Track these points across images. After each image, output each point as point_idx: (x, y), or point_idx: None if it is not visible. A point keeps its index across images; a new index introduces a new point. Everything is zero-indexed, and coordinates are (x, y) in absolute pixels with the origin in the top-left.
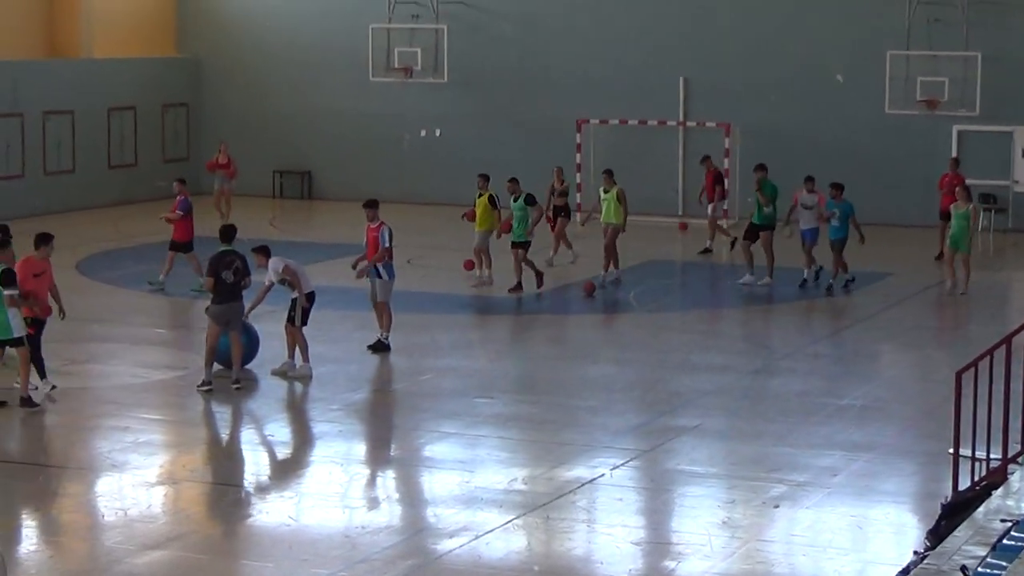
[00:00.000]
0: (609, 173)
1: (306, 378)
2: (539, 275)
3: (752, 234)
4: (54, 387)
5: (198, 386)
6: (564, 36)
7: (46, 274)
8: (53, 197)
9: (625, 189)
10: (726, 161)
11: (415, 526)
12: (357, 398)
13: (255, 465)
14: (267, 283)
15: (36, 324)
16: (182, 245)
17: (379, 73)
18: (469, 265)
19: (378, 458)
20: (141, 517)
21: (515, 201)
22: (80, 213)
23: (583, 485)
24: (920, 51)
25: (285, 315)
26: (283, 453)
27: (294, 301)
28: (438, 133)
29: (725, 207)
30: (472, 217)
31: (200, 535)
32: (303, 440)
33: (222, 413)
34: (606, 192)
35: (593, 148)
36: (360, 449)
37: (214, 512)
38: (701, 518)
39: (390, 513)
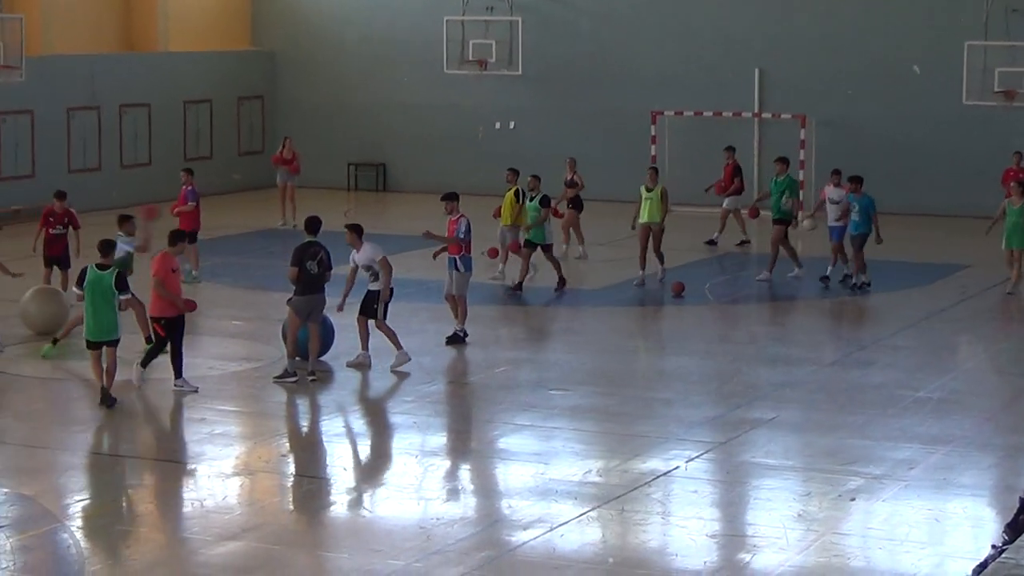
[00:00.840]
0: (655, 171)
1: (405, 363)
2: (562, 280)
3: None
4: (196, 389)
5: (277, 377)
6: (639, 28)
7: (179, 271)
8: (129, 190)
9: (694, 182)
10: (801, 153)
11: (490, 518)
12: (432, 390)
13: (330, 456)
14: (352, 266)
15: (171, 323)
16: (188, 235)
17: (453, 65)
18: (493, 253)
19: (453, 450)
20: (217, 508)
21: (531, 201)
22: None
23: (658, 477)
24: (998, 41)
25: (357, 307)
26: (358, 445)
27: (373, 293)
28: (512, 126)
29: (746, 202)
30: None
31: (275, 526)
32: (378, 432)
33: (298, 405)
34: (649, 191)
35: (668, 140)
36: (435, 441)
37: (290, 503)
38: (776, 511)
39: (465, 505)
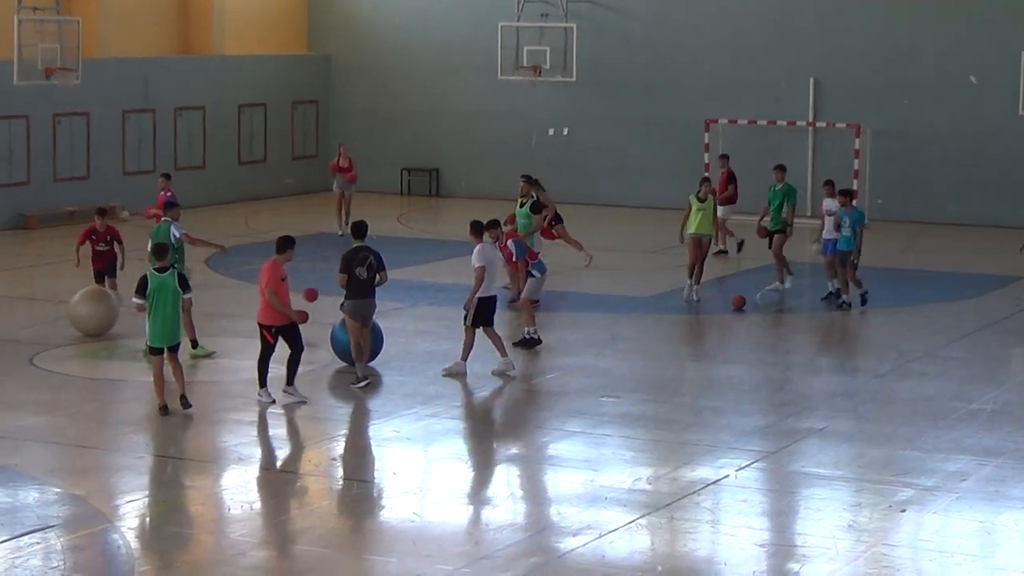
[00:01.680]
0: (708, 181)
1: (510, 368)
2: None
3: (769, 238)
4: (304, 400)
5: (352, 383)
6: (693, 35)
7: (287, 279)
8: (183, 192)
9: (747, 190)
10: (856, 162)
11: (538, 524)
12: (482, 395)
13: (380, 460)
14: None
15: (282, 331)
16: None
17: (507, 72)
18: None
19: (502, 455)
20: (266, 511)
21: (521, 207)
22: (210, 208)
23: (708, 486)
24: None
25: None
26: (408, 449)
27: (483, 300)
28: (566, 132)
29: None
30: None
31: (324, 529)
32: (428, 436)
33: (347, 408)
34: (702, 201)
35: (721, 148)
36: (484, 446)
37: (338, 507)
38: (826, 521)
39: (513, 510)
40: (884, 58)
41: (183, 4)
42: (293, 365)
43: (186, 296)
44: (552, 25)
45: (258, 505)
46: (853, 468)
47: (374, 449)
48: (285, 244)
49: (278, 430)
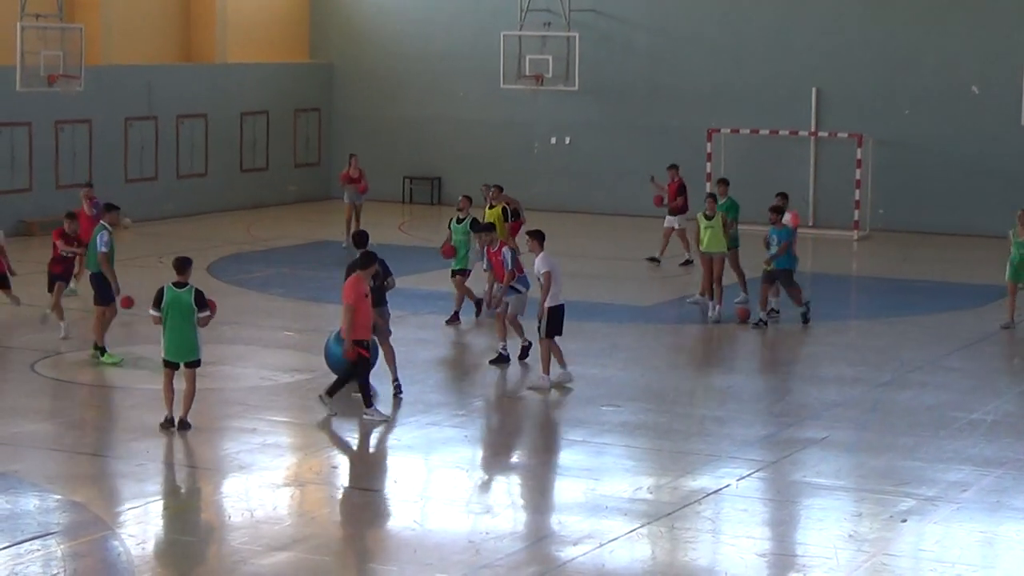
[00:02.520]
0: (714, 197)
1: (568, 381)
2: (477, 304)
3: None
4: (384, 419)
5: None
6: (695, 45)
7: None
8: (185, 200)
9: (749, 200)
10: (857, 172)
11: (539, 533)
12: (484, 404)
13: (380, 469)
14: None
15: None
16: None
17: (510, 80)
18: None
19: (503, 464)
20: (267, 518)
21: (459, 223)
22: (211, 216)
23: (708, 495)
24: None
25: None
26: (409, 457)
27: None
28: (567, 141)
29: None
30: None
31: (325, 538)
32: (429, 445)
33: (348, 417)
34: (709, 219)
35: (723, 158)
36: (485, 454)
37: (339, 515)
38: (827, 531)
39: (514, 519)
40: (886, 68)
41: (186, 12)
42: (367, 388)
43: (201, 314)
44: (554, 34)
45: (259, 513)
46: (854, 478)
47: (375, 457)
48: (369, 260)
49: (279, 438)
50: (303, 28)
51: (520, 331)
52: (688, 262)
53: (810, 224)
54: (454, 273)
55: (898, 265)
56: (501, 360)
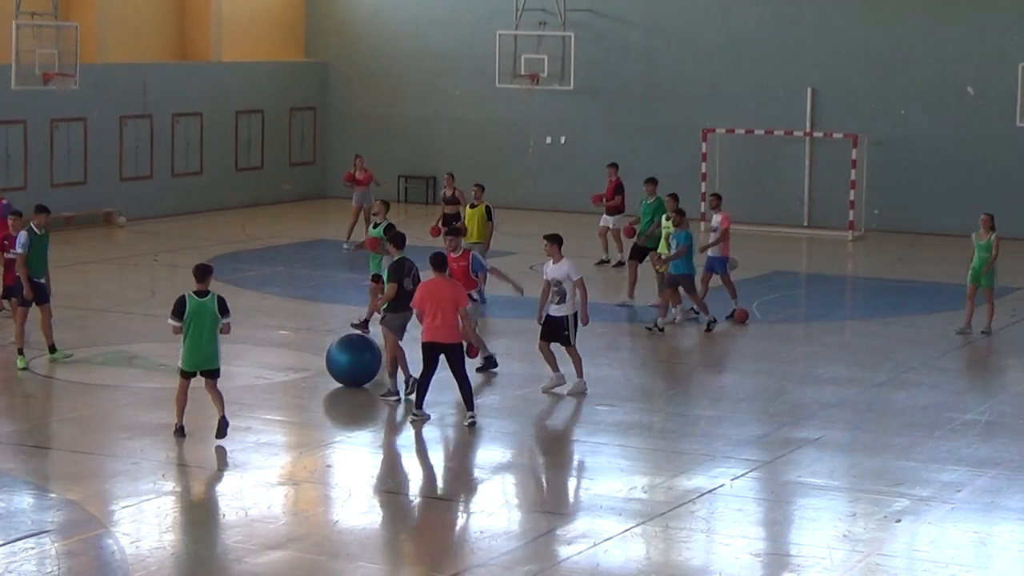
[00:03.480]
0: (675, 197)
1: (582, 394)
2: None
3: (640, 254)
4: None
5: (382, 395)
6: (691, 45)
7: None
8: (180, 198)
9: (744, 200)
10: (853, 172)
11: (534, 532)
12: (477, 404)
13: (376, 468)
14: (546, 280)
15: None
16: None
17: (505, 80)
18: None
19: (498, 463)
20: (261, 517)
21: (375, 228)
22: (206, 215)
23: (703, 495)
24: None
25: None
26: (404, 457)
27: (556, 319)
28: (563, 140)
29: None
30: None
31: (319, 536)
32: (424, 444)
33: (344, 416)
34: (668, 219)
35: (719, 158)
36: (479, 454)
37: (333, 514)
38: (821, 531)
39: (509, 518)
40: (882, 69)
41: (181, 10)
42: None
43: (224, 320)
44: (550, 33)
45: (253, 511)
46: (848, 478)
47: (369, 456)
48: (442, 263)
49: (274, 436)
50: (299, 27)
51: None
52: (620, 263)
53: (805, 224)
54: (376, 278)
55: (893, 265)
56: (490, 365)
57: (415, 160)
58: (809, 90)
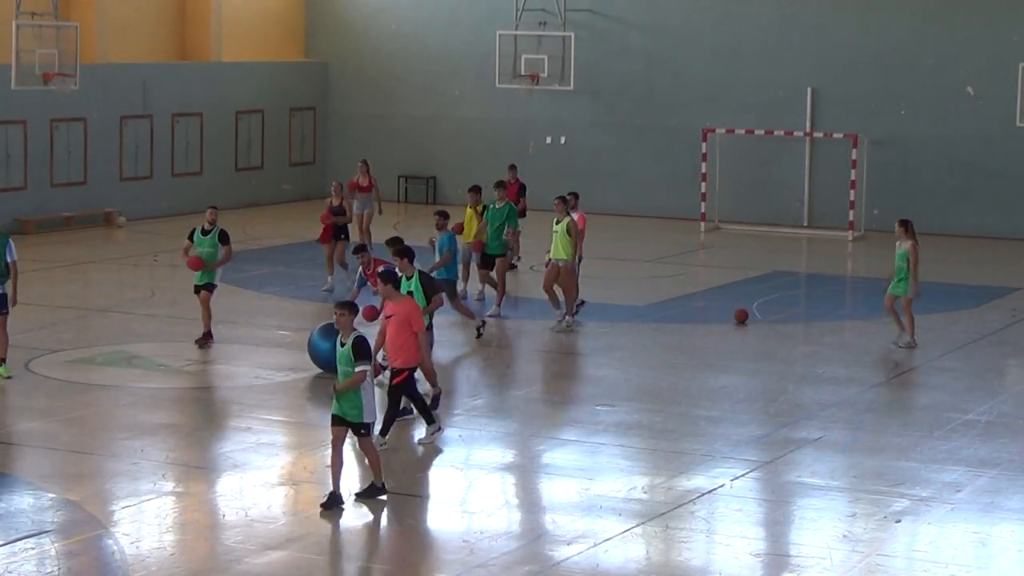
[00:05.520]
0: (563, 200)
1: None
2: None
3: (488, 262)
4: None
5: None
6: (691, 45)
7: None
8: (180, 198)
9: (744, 200)
10: (852, 172)
11: (533, 532)
12: (478, 403)
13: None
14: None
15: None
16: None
17: (505, 80)
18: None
19: (498, 463)
20: (261, 517)
21: (204, 234)
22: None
23: (703, 495)
24: None
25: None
26: (403, 457)
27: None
28: (563, 141)
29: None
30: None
31: (319, 536)
32: (423, 444)
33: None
34: (558, 223)
35: (719, 158)
36: (480, 454)
37: (333, 514)
38: (821, 531)
39: (509, 519)
40: (882, 69)
41: (181, 10)
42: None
43: (358, 369)
44: (550, 34)
45: (253, 512)
46: (848, 478)
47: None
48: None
49: (273, 437)
50: (298, 27)
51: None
52: (512, 266)
53: (805, 224)
54: (198, 289)
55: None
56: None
57: (415, 160)
58: (809, 90)
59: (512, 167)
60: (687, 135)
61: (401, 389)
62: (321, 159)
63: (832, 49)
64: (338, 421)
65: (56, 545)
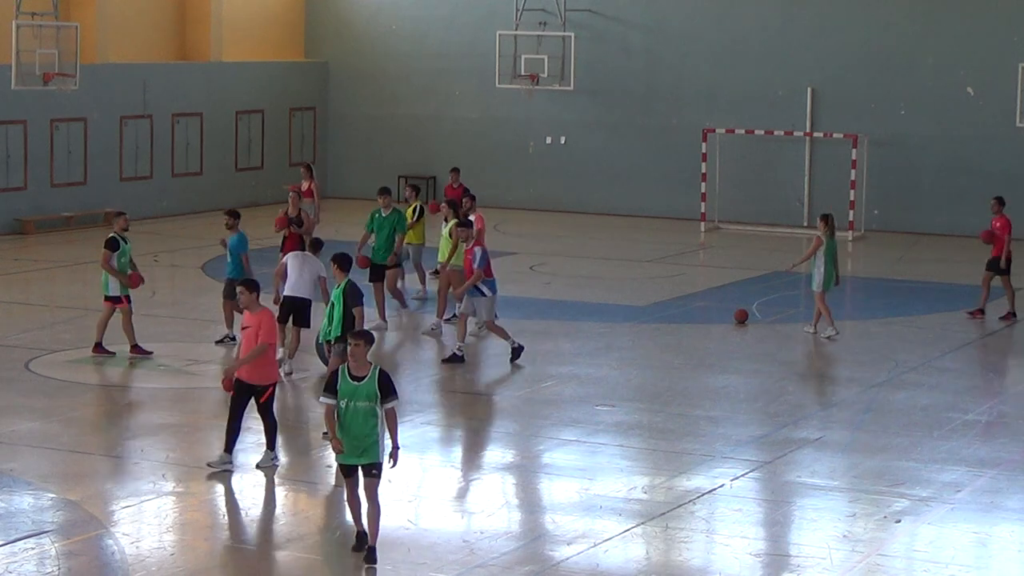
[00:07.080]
0: (450, 204)
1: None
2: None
3: (378, 273)
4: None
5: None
6: (691, 45)
7: None
8: (180, 198)
9: (744, 200)
10: (853, 172)
11: (533, 532)
12: (478, 404)
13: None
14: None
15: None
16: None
17: (505, 80)
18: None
19: (497, 463)
20: (261, 517)
21: (125, 243)
22: (206, 215)
23: (703, 495)
24: None
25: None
26: (403, 457)
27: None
28: (563, 141)
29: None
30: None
31: (319, 536)
32: (423, 444)
33: None
34: (447, 224)
35: (719, 158)
36: (479, 454)
37: (332, 514)
38: (821, 531)
39: (508, 519)
40: (882, 69)
41: (181, 10)
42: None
43: (386, 407)
44: (550, 34)
45: (252, 511)
46: (848, 478)
47: None
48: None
49: None
50: (298, 27)
51: (504, 334)
52: (436, 272)
53: (805, 224)
54: (108, 298)
55: (893, 265)
56: (455, 360)
57: (414, 160)
58: (809, 90)
59: (455, 170)
60: (687, 135)
61: (269, 406)
62: (321, 159)
63: (832, 49)
64: (350, 471)
65: (56, 545)
